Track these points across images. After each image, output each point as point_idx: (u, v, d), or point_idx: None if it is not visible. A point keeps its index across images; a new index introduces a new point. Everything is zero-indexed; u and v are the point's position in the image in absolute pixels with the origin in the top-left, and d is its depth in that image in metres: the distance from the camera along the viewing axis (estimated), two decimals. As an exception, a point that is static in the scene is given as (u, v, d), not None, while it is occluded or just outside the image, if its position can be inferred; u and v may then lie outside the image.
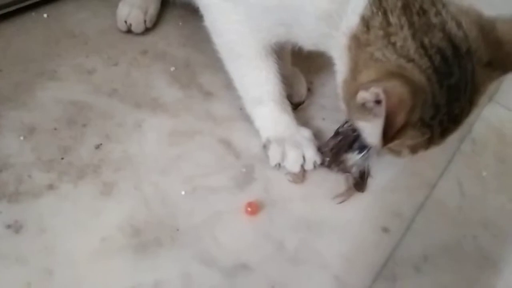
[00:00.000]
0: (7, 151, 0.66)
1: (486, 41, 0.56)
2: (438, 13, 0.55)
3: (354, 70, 0.57)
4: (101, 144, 0.69)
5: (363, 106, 0.56)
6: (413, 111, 0.52)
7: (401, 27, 0.54)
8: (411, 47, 0.54)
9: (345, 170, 0.71)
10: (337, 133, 0.74)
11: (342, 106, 0.62)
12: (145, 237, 0.61)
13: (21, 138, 0.68)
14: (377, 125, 0.54)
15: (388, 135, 0.53)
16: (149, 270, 0.58)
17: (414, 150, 0.59)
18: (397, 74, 0.53)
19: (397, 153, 0.61)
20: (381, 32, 0.55)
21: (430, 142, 0.58)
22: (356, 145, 0.72)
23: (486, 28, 0.56)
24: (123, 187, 0.65)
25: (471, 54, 0.55)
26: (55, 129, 0.70)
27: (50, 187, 0.64)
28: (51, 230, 0.60)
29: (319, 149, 0.71)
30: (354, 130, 0.73)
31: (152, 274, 0.58)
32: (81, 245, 0.59)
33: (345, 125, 0.73)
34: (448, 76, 0.54)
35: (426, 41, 0.54)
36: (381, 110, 0.52)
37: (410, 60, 0.54)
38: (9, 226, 0.59)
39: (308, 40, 0.64)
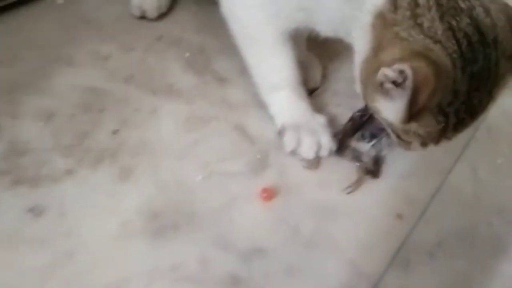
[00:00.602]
0: (27, 136, 0.67)
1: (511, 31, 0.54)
2: None
3: (377, 48, 0.56)
4: (118, 129, 0.70)
5: (381, 86, 0.56)
6: (435, 94, 0.52)
7: (429, 9, 0.53)
8: (439, 28, 0.53)
9: (357, 159, 0.71)
10: (350, 119, 0.73)
11: (358, 88, 0.62)
12: (163, 221, 0.62)
13: (40, 123, 0.69)
14: (395, 106, 0.54)
15: (409, 114, 0.53)
16: (167, 254, 0.59)
17: (424, 142, 0.58)
18: (423, 55, 0.52)
19: (407, 144, 0.61)
20: (408, 13, 0.54)
21: (442, 134, 0.57)
22: (367, 133, 0.72)
23: None
24: (141, 172, 0.66)
25: (497, 43, 0.53)
26: (73, 114, 0.71)
27: (70, 171, 0.65)
28: (71, 214, 0.61)
29: (334, 136, 0.71)
30: (363, 116, 0.73)
31: (170, 257, 0.59)
32: (100, 229, 0.60)
33: (357, 112, 0.73)
34: (472, 63, 0.53)
35: (453, 24, 0.52)
36: (403, 88, 0.52)
37: (437, 41, 0.53)
38: (30, 210, 0.61)
39: (328, 25, 0.63)
